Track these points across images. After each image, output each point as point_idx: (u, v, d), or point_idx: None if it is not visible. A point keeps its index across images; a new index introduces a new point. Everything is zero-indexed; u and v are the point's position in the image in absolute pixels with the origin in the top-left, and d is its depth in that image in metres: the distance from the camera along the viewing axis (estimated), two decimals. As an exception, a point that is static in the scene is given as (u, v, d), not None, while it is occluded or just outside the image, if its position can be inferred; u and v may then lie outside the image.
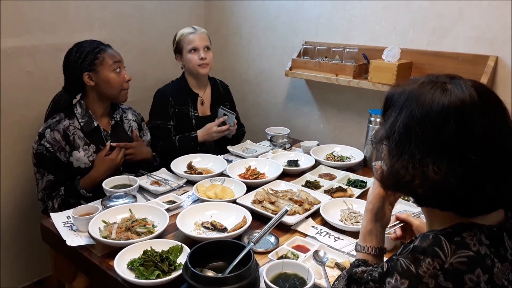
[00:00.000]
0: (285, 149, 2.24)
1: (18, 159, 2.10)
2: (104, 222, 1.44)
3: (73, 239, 1.39)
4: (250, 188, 1.72)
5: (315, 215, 1.56)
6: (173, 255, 1.26)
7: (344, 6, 2.27)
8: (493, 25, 1.83)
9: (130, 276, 1.19)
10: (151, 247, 1.28)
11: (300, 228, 1.48)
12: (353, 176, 1.90)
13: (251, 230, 1.44)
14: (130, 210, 1.51)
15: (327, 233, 1.46)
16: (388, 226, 1.23)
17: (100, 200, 1.60)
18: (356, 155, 2.09)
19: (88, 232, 1.37)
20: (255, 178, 1.84)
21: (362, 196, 1.71)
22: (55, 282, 1.68)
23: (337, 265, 1.26)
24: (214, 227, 1.44)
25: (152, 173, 1.89)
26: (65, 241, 1.37)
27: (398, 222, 1.23)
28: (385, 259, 0.92)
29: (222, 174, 1.88)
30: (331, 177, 1.91)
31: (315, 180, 1.86)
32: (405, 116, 0.84)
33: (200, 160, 2.02)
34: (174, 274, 1.18)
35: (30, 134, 1.96)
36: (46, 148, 1.74)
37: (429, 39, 2.02)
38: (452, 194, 0.80)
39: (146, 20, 2.56)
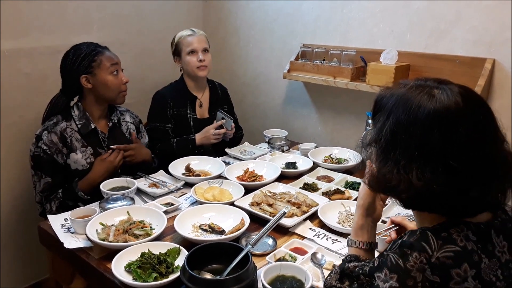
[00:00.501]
0: (283, 151, 2.24)
1: (16, 160, 2.09)
2: (102, 224, 1.43)
3: (71, 242, 1.38)
4: (248, 190, 1.72)
5: (313, 217, 1.56)
6: (171, 258, 1.26)
7: (342, 9, 2.27)
8: (490, 27, 1.84)
9: (127, 278, 1.19)
10: (148, 249, 1.28)
11: (298, 231, 1.48)
12: (351, 178, 1.90)
13: (249, 233, 1.44)
14: (127, 212, 1.51)
15: (325, 235, 1.46)
16: (383, 229, 1.25)
17: (98, 202, 1.60)
18: (353, 158, 2.09)
19: (86, 234, 1.37)
20: (253, 180, 1.84)
21: (360, 198, 1.71)
22: (53, 284, 1.67)
23: (335, 268, 1.26)
24: (212, 229, 1.44)
25: (150, 175, 1.89)
26: (62, 243, 1.37)
27: (393, 225, 1.24)
28: (377, 254, 0.93)
29: (220, 176, 1.88)
30: (329, 179, 1.91)
31: (313, 183, 1.86)
32: (392, 122, 0.85)
33: (198, 162, 2.02)
34: (172, 277, 1.18)
35: (28, 135, 1.96)
36: (43, 151, 1.73)
37: (427, 41, 2.02)
38: (436, 199, 0.82)
39: (144, 21, 2.56)
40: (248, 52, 2.79)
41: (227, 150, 2.22)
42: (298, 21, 2.48)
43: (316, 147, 2.22)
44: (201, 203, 1.63)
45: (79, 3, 2.22)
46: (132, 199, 1.64)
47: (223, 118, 2.18)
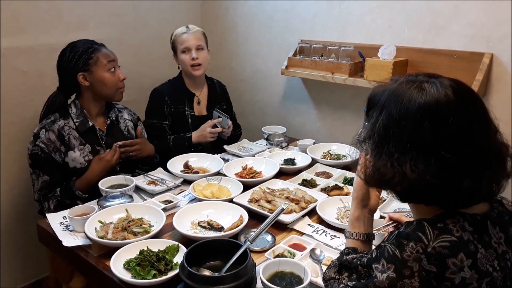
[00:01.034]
0: (281, 147, 2.24)
1: (14, 159, 2.09)
2: (101, 222, 1.43)
3: (70, 240, 1.38)
4: (246, 187, 1.72)
5: (312, 213, 1.56)
6: (170, 255, 1.26)
7: (339, 4, 2.27)
8: (488, 22, 1.83)
9: (126, 276, 1.19)
10: (147, 246, 1.28)
11: (297, 227, 1.48)
12: (349, 174, 1.90)
13: (247, 229, 1.44)
14: (126, 210, 1.51)
15: (323, 231, 1.46)
16: (382, 225, 1.25)
17: (96, 200, 1.60)
18: (352, 153, 2.09)
19: (85, 232, 1.37)
20: (252, 177, 1.84)
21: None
22: (53, 283, 1.67)
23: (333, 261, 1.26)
24: (211, 226, 1.44)
25: (149, 173, 1.89)
26: (61, 241, 1.37)
27: (391, 222, 1.25)
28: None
29: (218, 173, 1.88)
30: (327, 176, 1.91)
31: (312, 179, 1.86)
32: (384, 117, 0.87)
33: (197, 160, 2.01)
34: (171, 274, 1.18)
35: (25, 134, 1.95)
36: (41, 149, 1.73)
37: (425, 36, 2.02)
38: (430, 190, 0.83)
39: (141, 19, 2.56)
40: (246, 48, 2.78)
41: (225, 147, 2.22)
42: (295, 17, 2.47)
43: (314, 143, 2.22)
44: (200, 200, 1.63)
45: (76, 1, 2.21)
46: (131, 196, 1.64)
47: (219, 117, 2.17)
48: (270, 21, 2.60)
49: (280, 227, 1.47)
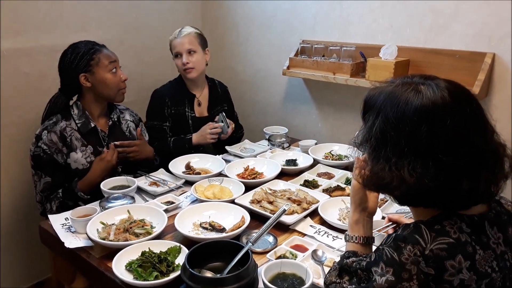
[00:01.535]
0: (283, 148, 2.24)
1: (16, 160, 2.09)
2: (102, 223, 1.43)
3: (72, 241, 1.38)
4: (248, 188, 1.72)
5: (314, 214, 1.56)
6: (172, 256, 1.26)
7: (341, 4, 2.26)
8: (490, 22, 1.83)
9: (128, 277, 1.19)
10: (149, 248, 1.28)
11: (299, 228, 1.48)
12: (351, 175, 1.90)
13: (249, 230, 1.44)
14: (128, 211, 1.51)
15: (325, 232, 1.46)
16: (381, 227, 1.26)
17: (98, 201, 1.60)
18: (353, 154, 2.08)
19: (86, 233, 1.37)
20: (254, 178, 1.84)
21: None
22: (55, 284, 1.68)
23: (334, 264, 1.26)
24: (213, 227, 1.44)
25: (150, 174, 1.89)
26: (63, 243, 1.37)
27: (390, 223, 1.25)
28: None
29: (220, 174, 1.88)
30: (329, 176, 1.91)
31: (314, 179, 1.86)
32: (381, 120, 0.86)
33: (198, 160, 2.01)
34: (173, 275, 1.18)
35: (27, 135, 1.96)
36: (43, 150, 1.73)
37: (426, 36, 2.02)
38: (428, 194, 0.83)
39: (142, 19, 2.56)
40: (247, 49, 2.78)
41: (227, 147, 2.22)
42: (297, 17, 2.47)
43: (316, 143, 2.21)
44: (202, 201, 1.63)
45: (76, 2, 2.21)
46: (133, 197, 1.64)
47: (222, 122, 2.17)
48: (271, 21, 2.59)
49: (282, 228, 1.47)
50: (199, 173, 1.89)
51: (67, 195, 1.75)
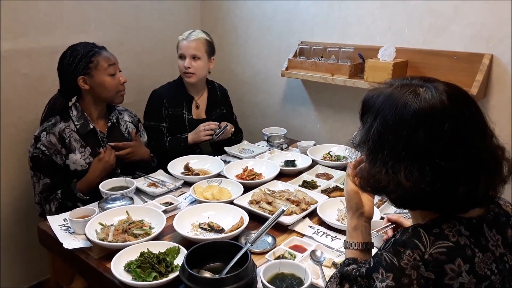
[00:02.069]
0: (282, 149, 2.24)
1: (15, 161, 2.09)
2: (101, 224, 1.43)
3: (70, 242, 1.38)
4: (247, 188, 1.72)
5: (312, 215, 1.56)
6: (170, 257, 1.26)
7: (339, 6, 2.27)
8: (488, 23, 1.83)
9: (127, 278, 1.19)
10: (148, 249, 1.28)
11: (297, 228, 1.48)
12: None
13: (248, 231, 1.44)
14: (127, 212, 1.51)
15: (324, 232, 1.46)
16: (380, 227, 1.25)
17: (97, 202, 1.60)
18: (352, 155, 2.09)
19: (85, 234, 1.37)
20: (252, 179, 1.84)
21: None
22: (54, 285, 1.67)
23: (334, 265, 1.26)
24: (211, 228, 1.44)
25: (149, 175, 1.89)
26: (62, 244, 1.37)
27: (389, 223, 1.25)
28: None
29: (219, 175, 1.88)
30: (328, 177, 1.91)
31: (312, 180, 1.86)
32: (379, 123, 0.86)
33: (197, 161, 2.02)
34: (171, 276, 1.18)
35: (26, 136, 1.96)
36: (42, 152, 1.73)
37: (425, 37, 2.02)
38: (425, 198, 0.83)
39: (142, 21, 2.56)
40: (246, 50, 2.78)
41: (226, 148, 2.22)
42: (295, 19, 2.47)
43: (315, 144, 2.22)
44: (200, 202, 1.63)
45: (76, 3, 2.21)
46: (131, 198, 1.64)
47: (219, 127, 2.16)
48: (270, 22, 2.60)
49: (281, 229, 1.47)
50: (198, 174, 1.89)
51: (66, 196, 1.75)
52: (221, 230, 1.43)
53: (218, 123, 2.18)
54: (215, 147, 2.26)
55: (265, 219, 1.43)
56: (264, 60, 2.71)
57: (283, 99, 2.70)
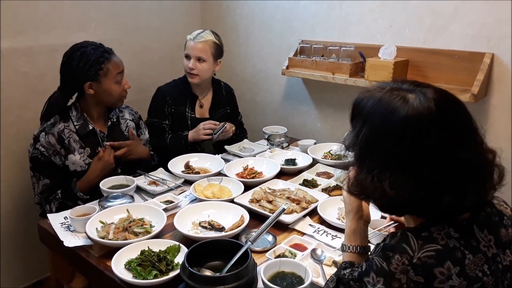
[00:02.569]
0: (282, 148, 2.24)
1: (15, 160, 2.09)
2: (102, 222, 1.43)
3: (71, 240, 1.38)
4: (247, 187, 1.72)
5: (313, 213, 1.56)
6: (171, 255, 1.26)
7: (340, 4, 2.27)
8: (489, 22, 1.83)
9: (127, 276, 1.19)
10: (148, 247, 1.28)
11: (298, 227, 1.48)
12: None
13: (248, 229, 1.44)
14: (127, 210, 1.51)
15: (324, 231, 1.46)
16: (383, 226, 1.26)
17: (97, 200, 1.60)
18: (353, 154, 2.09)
19: (86, 232, 1.37)
20: (253, 177, 1.84)
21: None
22: (54, 283, 1.67)
23: (335, 263, 1.26)
24: (212, 226, 1.44)
25: (150, 173, 1.89)
26: (62, 242, 1.37)
27: (392, 222, 1.25)
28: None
29: (219, 174, 1.88)
30: (328, 176, 1.91)
31: (313, 179, 1.86)
32: (367, 129, 0.86)
33: (198, 160, 2.01)
34: (172, 274, 1.18)
35: (26, 135, 1.95)
36: (41, 152, 1.72)
37: (425, 36, 2.02)
38: (409, 205, 0.84)
39: (142, 19, 2.55)
40: (247, 49, 2.78)
41: (226, 147, 2.22)
42: (296, 18, 2.47)
43: (315, 143, 2.22)
44: (201, 200, 1.63)
45: (76, 2, 2.21)
46: (132, 197, 1.64)
47: (220, 129, 2.16)
48: (271, 21, 2.60)
49: (281, 227, 1.47)
50: (198, 173, 1.89)
51: (66, 196, 1.74)
52: (222, 229, 1.43)
53: (218, 123, 2.17)
54: (217, 147, 2.25)
55: (265, 217, 1.43)
56: (265, 59, 2.70)
57: (283, 97, 2.70)
